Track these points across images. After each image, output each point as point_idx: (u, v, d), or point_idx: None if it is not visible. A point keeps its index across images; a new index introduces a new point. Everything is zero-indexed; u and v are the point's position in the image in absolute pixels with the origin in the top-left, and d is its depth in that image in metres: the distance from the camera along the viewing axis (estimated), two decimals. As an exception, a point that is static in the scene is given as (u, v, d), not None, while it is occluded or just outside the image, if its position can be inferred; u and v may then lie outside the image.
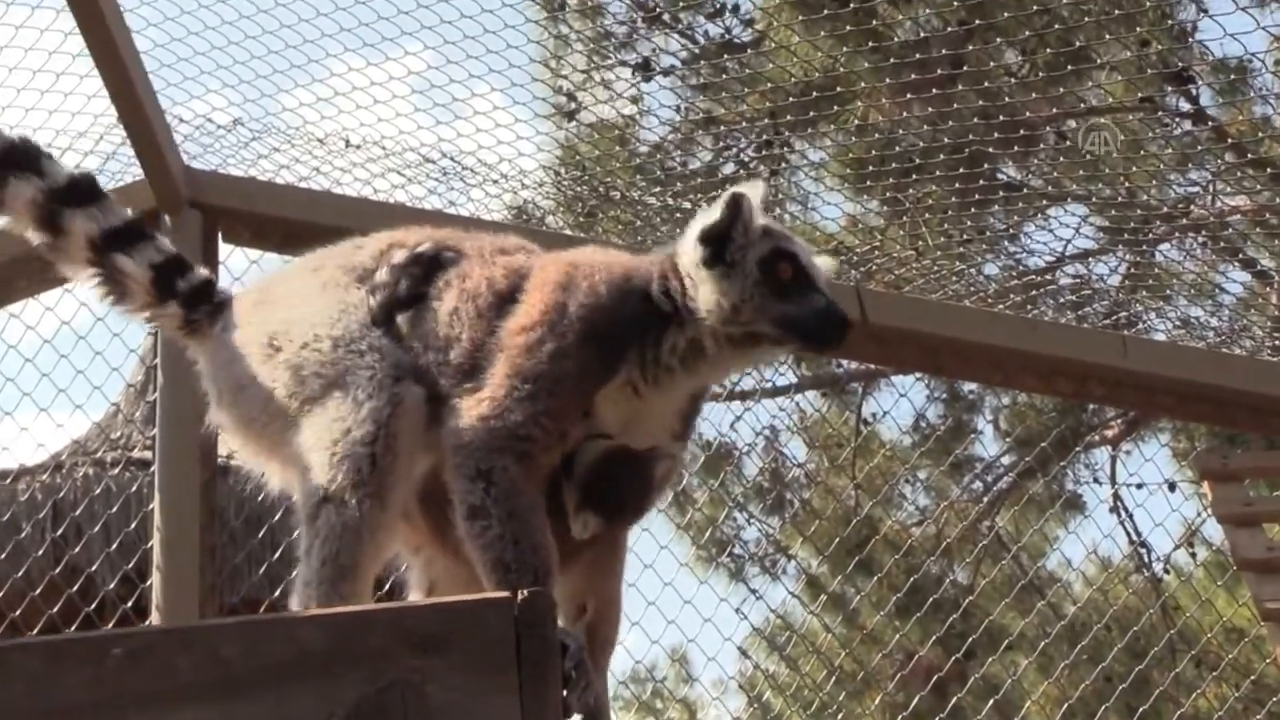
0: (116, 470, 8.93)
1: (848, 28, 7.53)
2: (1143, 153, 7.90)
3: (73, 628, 7.16)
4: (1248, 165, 8.56)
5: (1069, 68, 7.65)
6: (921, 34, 8.40)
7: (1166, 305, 8.09)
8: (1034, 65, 8.10)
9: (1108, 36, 7.53)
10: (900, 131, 7.81)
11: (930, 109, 7.49)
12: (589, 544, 3.66)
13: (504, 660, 2.77)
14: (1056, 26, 7.63)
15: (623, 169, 8.48)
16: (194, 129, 7.21)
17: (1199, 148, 8.87)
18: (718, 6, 9.57)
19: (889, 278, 7.54)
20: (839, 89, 7.99)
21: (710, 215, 3.61)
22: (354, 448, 3.42)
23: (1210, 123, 9.51)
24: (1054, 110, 8.02)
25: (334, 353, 3.57)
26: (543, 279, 3.64)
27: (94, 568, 7.67)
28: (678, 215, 7.98)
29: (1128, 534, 11.10)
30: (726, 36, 9.73)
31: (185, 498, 6.38)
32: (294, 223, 6.67)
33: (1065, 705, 8.38)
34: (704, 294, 3.55)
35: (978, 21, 7.80)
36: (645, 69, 8.97)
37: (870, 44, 7.67)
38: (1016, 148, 7.75)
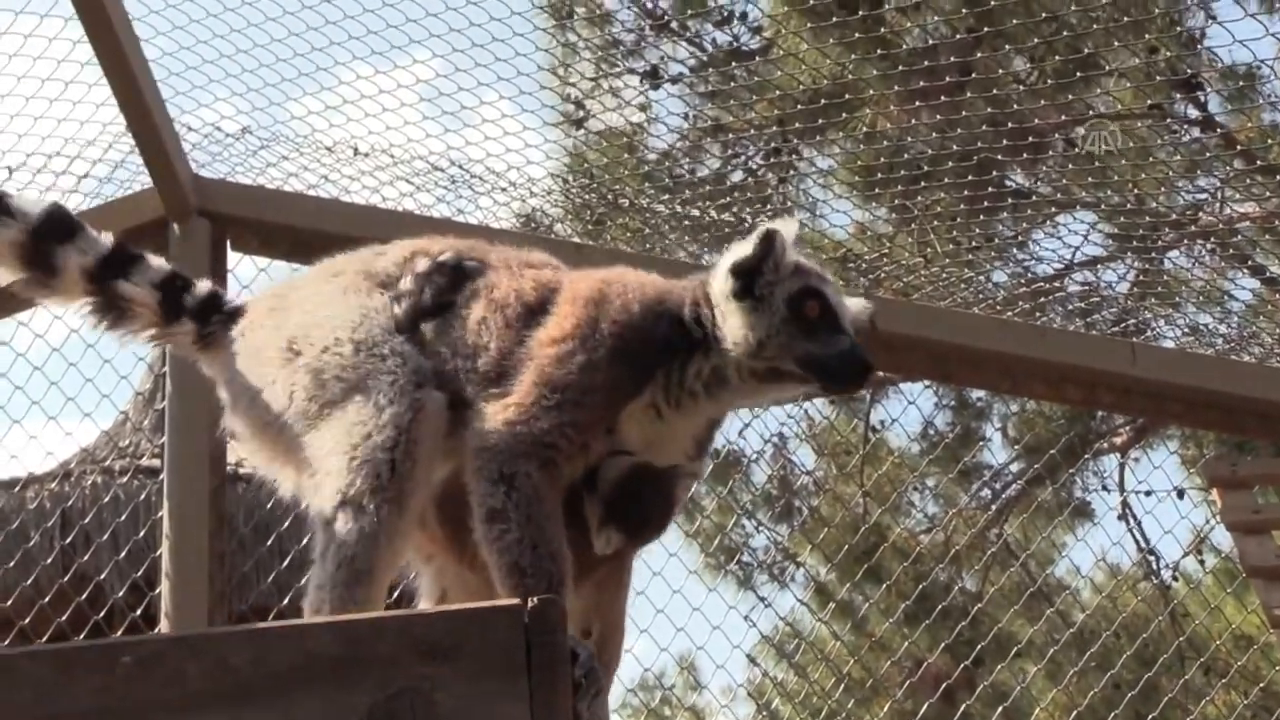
0: (125, 478, 8.94)
1: (856, 35, 7.53)
2: (1151, 159, 7.90)
3: (81, 636, 7.16)
4: (1256, 172, 8.55)
5: (1078, 75, 7.63)
6: (930, 41, 8.41)
7: (1175, 312, 8.09)
8: (1043, 72, 8.09)
9: (1116, 43, 7.53)
10: (909, 139, 7.79)
11: (939, 116, 7.49)
12: (599, 563, 3.68)
13: (514, 668, 2.77)
14: (1065, 33, 7.62)
15: (631, 176, 8.47)
16: (202, 137, 7.21)
17: (1207, 154, 8.86)
18: (726, 14, 9.59)
19: (897, 285, 7.54)
20: (847, 96, 7.99)
21: (743, 248, 3.64)
22: (374, 453, 3.42)
23: (1219, 129, 9.51)
24: (1063, 117, 8.02)
25: (355, 357, 3.57)
26: (575, 293, 3.67)
27: (103, 576, 7.68)
28: (686, 223, 7.99)
29: (1136, 541, 11.07)
30: (735, 44, 9.75)
31: (194, 505, 6.38)
32: (302, 231, 6.67)
33: (1074, 713, 8.35)
34: (732, 326, 3.59)
35: (986, 29, 7.80)
36: (653, 77, 8.98)
37: (879, 51, 7.67)
38: (1025, 155, 7.72)
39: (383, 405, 3.47)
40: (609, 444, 3.61)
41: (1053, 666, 9.91)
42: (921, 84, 7.71)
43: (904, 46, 8.02)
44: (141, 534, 7.96)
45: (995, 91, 7.61)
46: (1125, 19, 7.38)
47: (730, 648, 10.34)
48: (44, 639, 7.21)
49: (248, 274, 10.62)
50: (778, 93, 8.12)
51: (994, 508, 11.90)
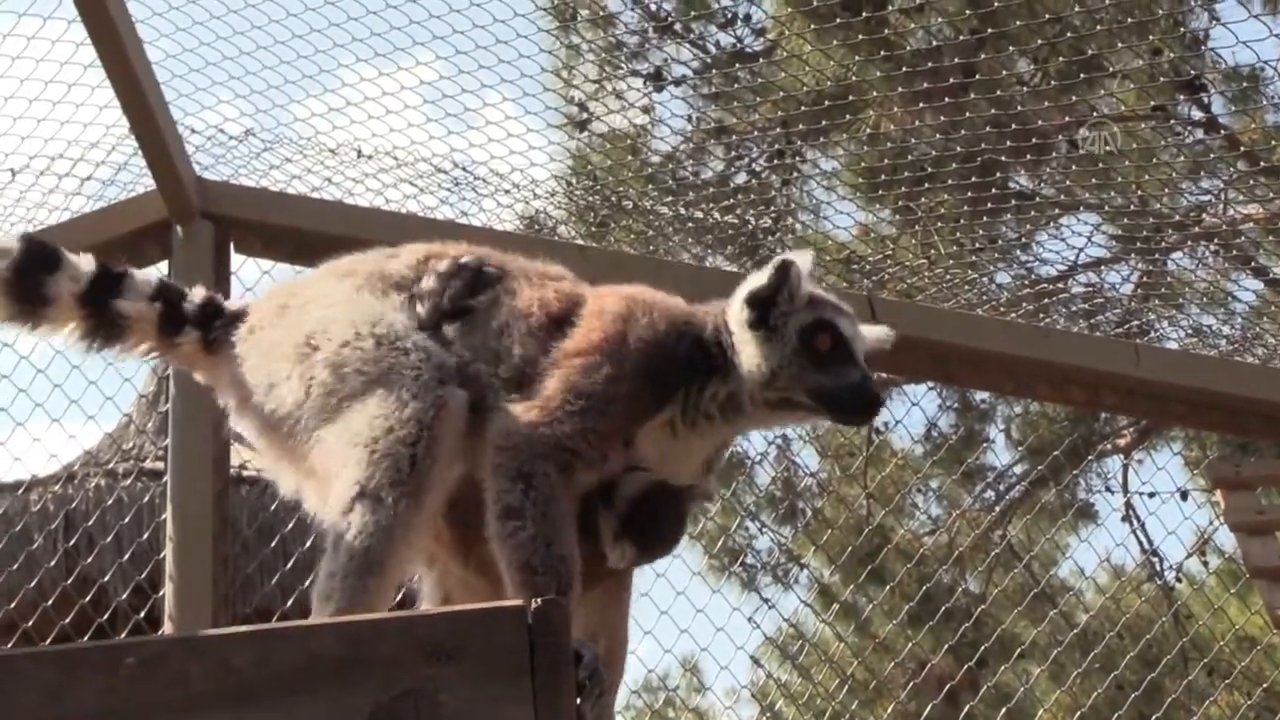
0: (129, 481, 8.93)
1: (860, 37, 7.53)
2: (1155, 161, 7.89)
3: (85, 639, 7.16)
4: (1260, 173, 8.55)
5: (1081, 76, 7.64)
6: (934, 43, 8.40)
7: (1179, 314, 8.09)
8: (1046, 74, 8.09)
9: (1120, 45, 7.53)
10: (912, 140, 7.80)
11: (942, 118, 7.49)
12: (604, 575, 3.69)
13: (518, 669, 2.77)
14: (1069, 35, 7.62)
15: (635, 179, 8.47)
16: (206, 139, 7.21)
17: (1211, 156, 8.85)
18: (729, 16, 9.59)
19: (901, 286, 7.55)
20: (851, 98, 7.97)
21: (759, 278, 3.68)
22: (396, 446, 3.41)
23: (1222, 131, 9.50)
24: (1066, 119, 8.01)
25: (377, 351, 3.57)
26: (601, 308, 3.70)
27: (106, 578, 7.66)
28: (689, 225, 7.99)
29: (1140, 542, 11.09)
30: (738, 46, 9.75)
31: (198, 508, 6.38)
32: (306, 233, 6.67)
33: (1078, 714, 8.37)
34: (746, 354, 3.63)
35: (990, 30, 7.80)
36: (657, 79, 8.98)
37: (882, 53, 7.66)
38: (1028, 156, 7.73)
39: (405, 400, 3.46)
40: (625, 458, 3.64)
41: (1056, 668, 9.92)
42: (925, 85, 7.70)
43: (907, 48, 8.01)
44: (145, 536, 7.97)
45: (999, 93, 7.63)
46: (1129, 20, 7.39)
47: (734, 649, 10.37)
48: (47, 641, 7.20)
49: (251, 276, 10.63)
50: (781, 94, 8.13)
51: (997, 509, 11.89)
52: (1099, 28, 7.33)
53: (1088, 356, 6.48)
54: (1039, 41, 7.70)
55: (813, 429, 10.85)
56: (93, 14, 6.05)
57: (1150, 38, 7.65)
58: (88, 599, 7.49)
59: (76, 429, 12.56)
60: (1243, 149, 8.85)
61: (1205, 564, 10.47)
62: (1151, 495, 10.33)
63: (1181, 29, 8.55)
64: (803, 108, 7.78)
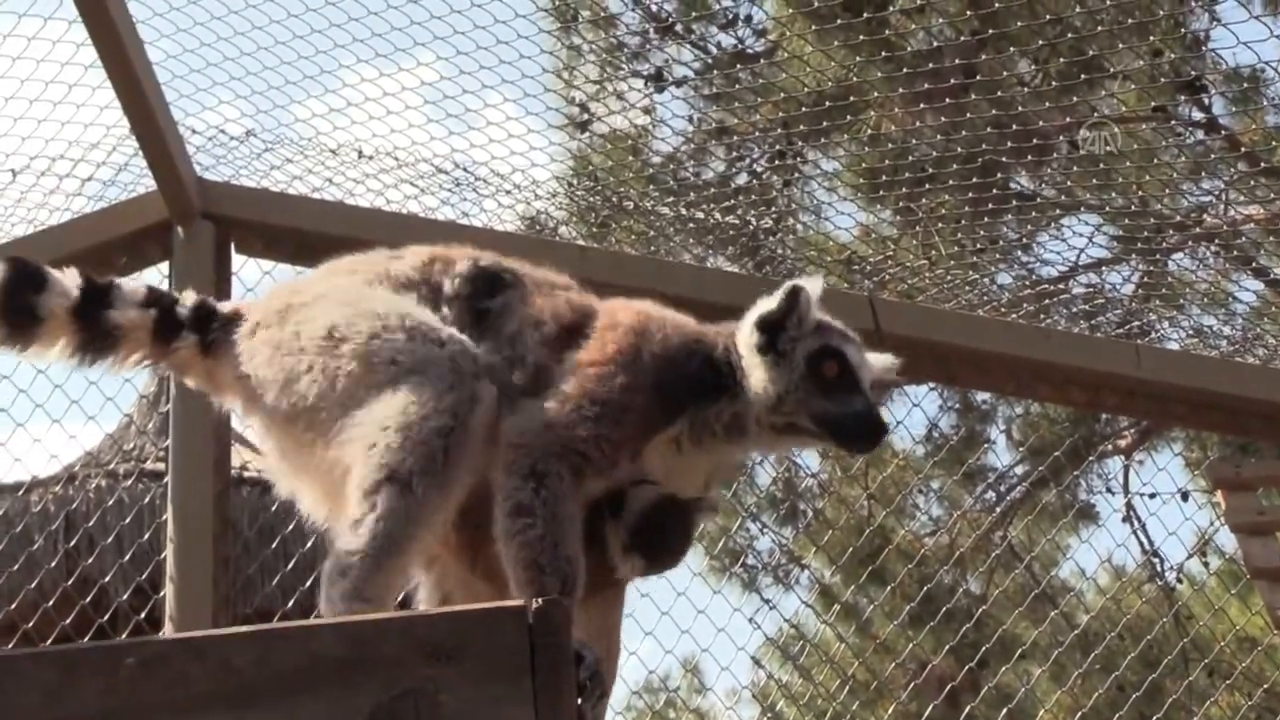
0: (129, 481, 8.94)
1: (860, 38, 7.52)
2: (1156, 162, 7.89)
3: (85, 639, 7.15)
4: (1260, 174, 8.54)
5: (1082, 77, 7.64)
6: (934, 44, 8.40)
7: (1179, 314, 8.09)
8: (1047, 74, 8.09)
9: (1120, 45, 7.53)
10: (913, 141, 7.80)
11: (943, 118, 7.49)
12: (604, 585, 3.70)
13: (518, 669, 2.77)
14: (1069, 35, 7.63)
15: (636, 179, 8.48)
16: (207, 140, 7.22)
17: (1212, 157, 8.85)
18: (730, 17, 9.59)
19: (902, 287, 7.55)
20: (852, 99, 7.98)
21: (769, 303, 3.71)
22: (431, 435, 3.40)
23: (1223, 132, 9.50)
24: (1067, 119, 8.01)
25: (410, 343, 3.55)
26: (614, 320, 3.72)
27: (107, 579, 7.65)
28: (691, 225, 7.99)
29: (1140, 543, 11.09)
30: (739, 47, 9.74)
31: (198, 509, 6.38)
32: (307, 233, 6.68)
33: (1079, 714, 8.37)
34: (754, 378, 3.65)
35: (990, 31, 7.80)
36: (658, 80, 8.98)
37: (883, 54, 7.66)
38: (1029, 157, 7.73)
39: (441, 391, 3.46)
40: (631, 471, 3.65)
41: (1057, 668, 9.92)
42: (926, 86, 7.70)
43: (908, 49, 8.01)
44: (146, 537, 7.96)
45: (999, 94, 7.63)
46: (1129, 21, 7.39)
47: (735, 650, 10.33)
48: (48, 642, 7.20)
49: (252, 277, 10.62)
50: (782, 95, 8.13)
51: (998, 510, 11.89)
52: (1100, 29, 7.33)
53: (1088, 357, 6.48)
54: (1040, 42, 7.70)
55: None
56: (93, 14, 6.06)
57: (1151, 38, 7.64)
58: (88, 600, 7.48)
59: (77, 430, 12.55)
60: (1243, 150, 8.85)
61: (1206, 565, 10.45)
62: (1152, 496, 10.32)
63: (1182, 30, 8.55)
64: (804, 108, 7.78)
